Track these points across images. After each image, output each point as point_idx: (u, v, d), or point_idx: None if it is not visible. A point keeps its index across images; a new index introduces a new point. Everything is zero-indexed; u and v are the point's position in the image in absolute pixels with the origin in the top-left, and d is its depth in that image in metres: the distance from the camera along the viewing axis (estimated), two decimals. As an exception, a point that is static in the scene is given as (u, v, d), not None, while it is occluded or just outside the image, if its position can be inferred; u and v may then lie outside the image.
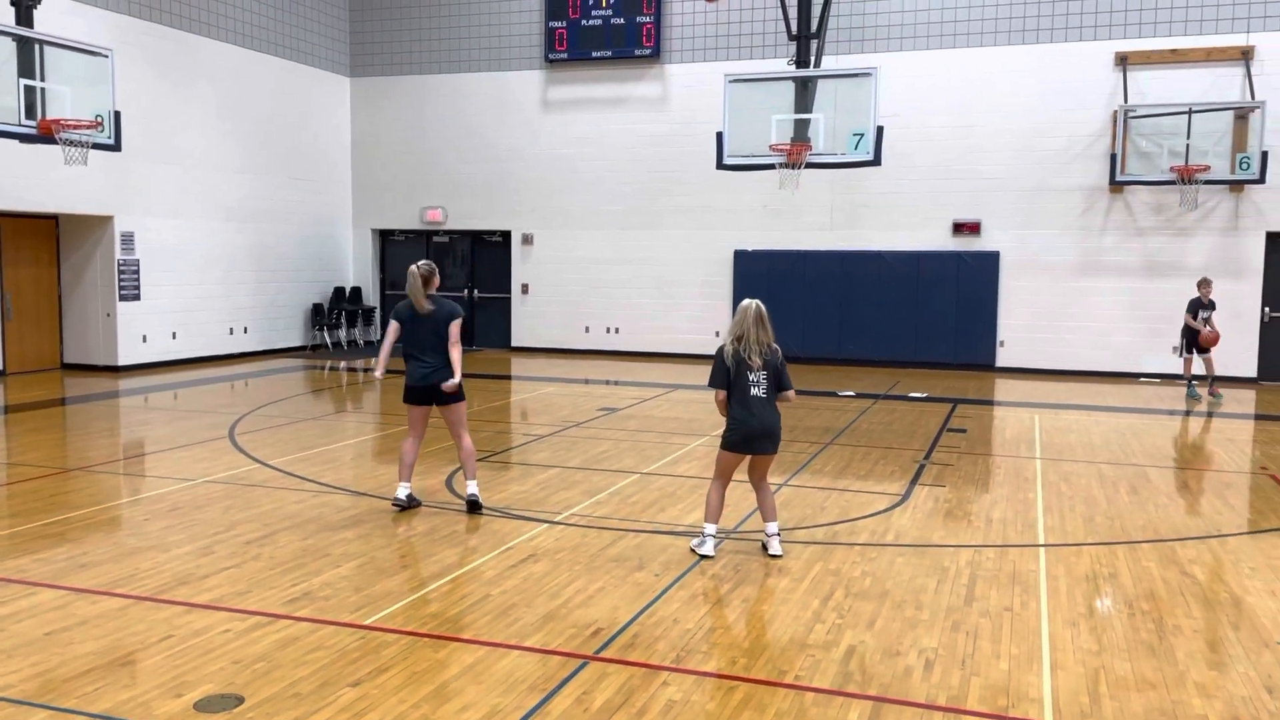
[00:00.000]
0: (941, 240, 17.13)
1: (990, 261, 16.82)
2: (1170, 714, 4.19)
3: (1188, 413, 12.82)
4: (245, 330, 17.97)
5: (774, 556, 6.27)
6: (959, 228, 17.01)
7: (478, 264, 20.28)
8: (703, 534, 6.35)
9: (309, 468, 8.75)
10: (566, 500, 7.69)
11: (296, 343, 19.23)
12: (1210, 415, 12.67)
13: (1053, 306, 16.61)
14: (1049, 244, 16.56)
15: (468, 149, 19.64)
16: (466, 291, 20.10)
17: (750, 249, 17.95)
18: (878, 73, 12.57)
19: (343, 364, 17.53)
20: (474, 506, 7.30)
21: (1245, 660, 4.77)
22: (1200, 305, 13.67)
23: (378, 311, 20.83)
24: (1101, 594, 5.73)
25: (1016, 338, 16.86)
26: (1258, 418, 12.90)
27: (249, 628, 4.99)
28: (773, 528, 6.37)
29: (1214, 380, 13.71)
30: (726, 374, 6.19)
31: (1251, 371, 15.74)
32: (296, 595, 5.48)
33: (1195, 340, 13.67)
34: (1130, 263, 16.14)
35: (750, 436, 6.19)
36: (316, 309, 19.54)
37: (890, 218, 17.28)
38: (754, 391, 6.16)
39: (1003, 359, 16.94)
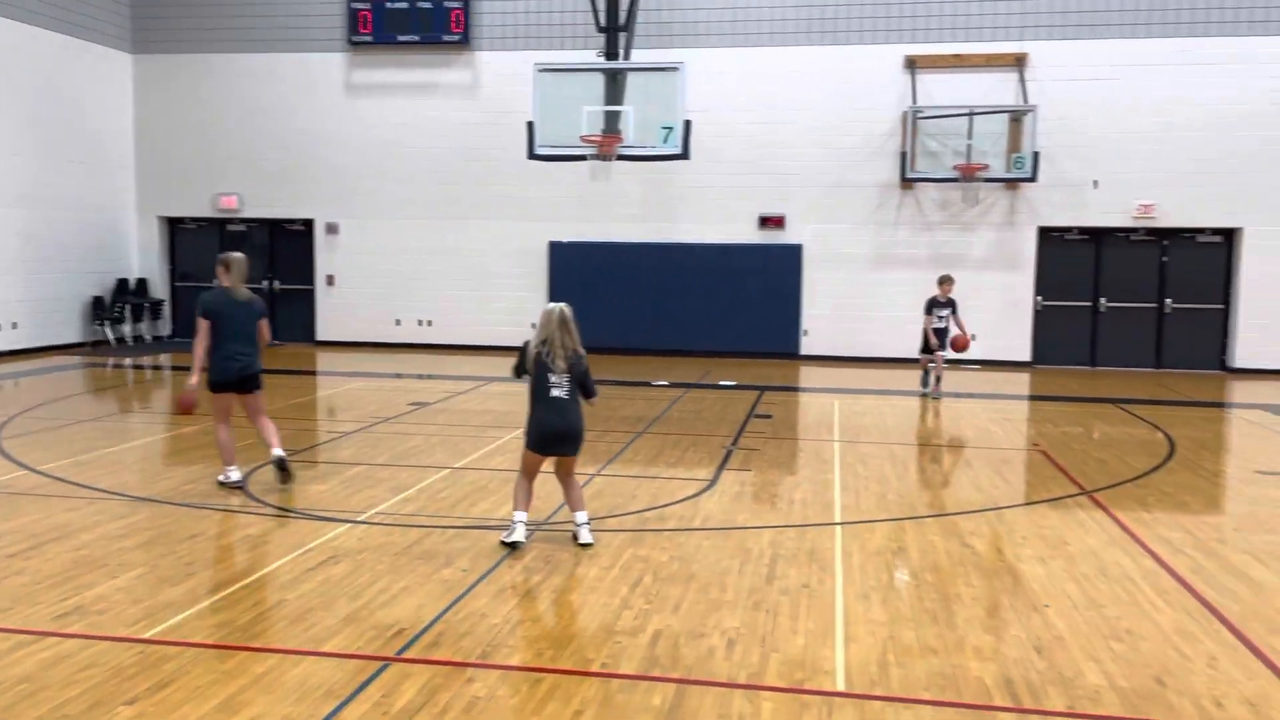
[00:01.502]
0: (749, 233, 17.66)
1: (794, 254, 17.47)
2: (950, 678, 4.45)
3: (958, 395, 13.70)
4: (15, 326, 16.47)
5: (584, 545, 6.28)
6: (765, 221, 17.58)
7: (278, 254, 19.36)
8: (512, 523, 6.28)
9: (85, 473, 8.10)
10: (371, 499, 7.43)
11: (75, 339, 17.79)
12: (935, 397, 12.95)
13: (851, 297, 17.43)
14: (847, 237, 17.36)
15: (265, 133, 18.70)
16: (266, 283, 19.15)
17: (565, 240, 17.93)
18: (684, 67, 12.80)
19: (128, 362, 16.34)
20: (282, 464, 7.43)
21: (1018, 624, 5.13)
22: (936, 304, 12.93)
23: (167, 305, 19.56)
24: (893, 568, 6.03)
25: (819, 327, 17.60)
26: (1032, 398, 13.97)
27: (11, 647, 4.55)
28: (582, 517, 6.38)
29: (938, 380, 13.12)
30: (525, 363, 6.26)
31: (1026, 356, 17.05)
32: (66, 610, 5.04)
33: (926, 342, 13.04)
34: (920, 255, 17.13)
35: (551, 438, 6.24)
36: (97, 302, 18.15)
37: (701, 211, 17.66)
38: (555, 393, 6.21)
39: (806, 347, 17.64)
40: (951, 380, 14.75)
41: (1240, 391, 14.57)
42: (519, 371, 6.29)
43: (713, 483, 8.17)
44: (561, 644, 4.79)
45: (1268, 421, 11.68)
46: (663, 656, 4.62)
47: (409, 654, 4.59)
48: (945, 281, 13.02)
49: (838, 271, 17.42)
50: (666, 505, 7.41)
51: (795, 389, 14.62)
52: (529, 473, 6.37)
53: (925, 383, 13.33)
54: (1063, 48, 16.42)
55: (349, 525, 6.70)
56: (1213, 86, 15.98)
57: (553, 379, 6.18)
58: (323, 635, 4.80)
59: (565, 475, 6.43)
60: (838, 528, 6.90)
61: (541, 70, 12.87)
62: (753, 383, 14.47)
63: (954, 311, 12.92)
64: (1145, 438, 10.54)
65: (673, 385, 14.11)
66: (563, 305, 6.29)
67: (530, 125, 12.76)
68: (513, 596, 5.43)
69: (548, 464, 6.43)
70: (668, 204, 17.75)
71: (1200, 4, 15.98)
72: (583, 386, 6.30)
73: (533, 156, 12.92)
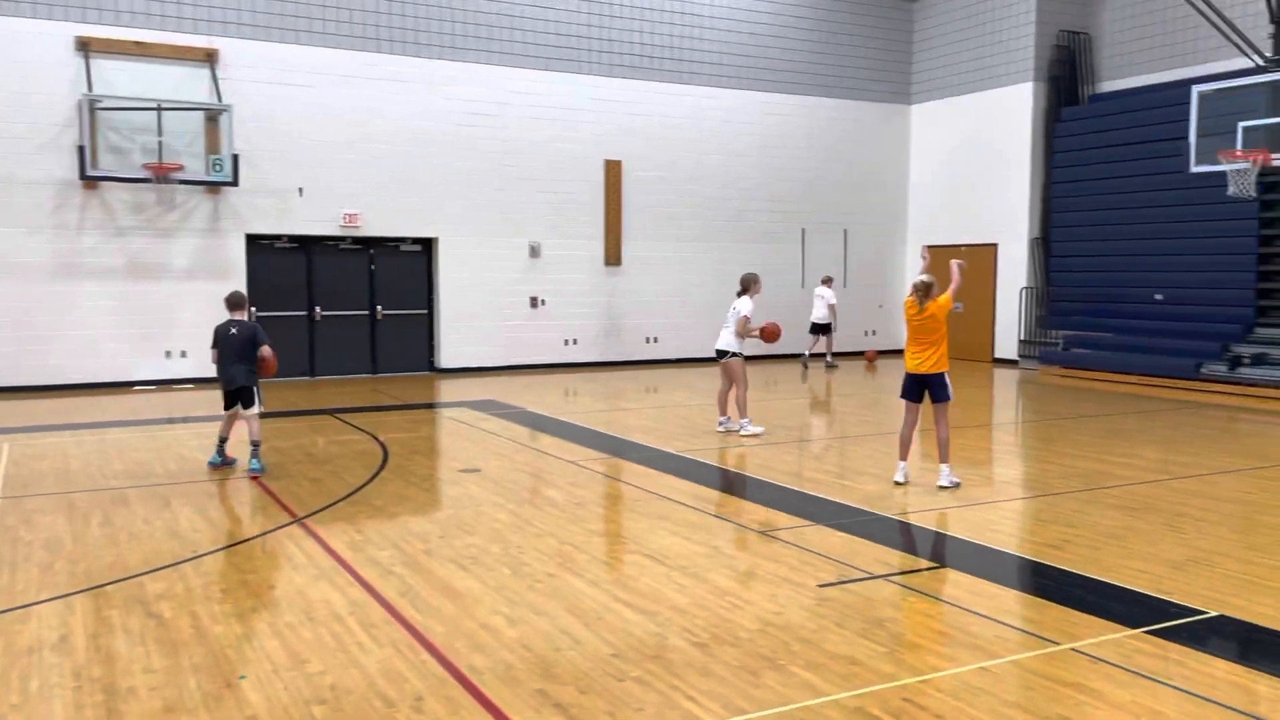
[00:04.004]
0: (-126, 238, 13.71)
1: (-55, 264, 14.03)
2: (102, 827, 3.32)
3: (172, 420, 12.33)
4: None
5: None
6: (-102, 223, 13.81)
7: None
8: None
9: None
10: None
11: None
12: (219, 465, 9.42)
13: (31, 315, 14.61)
14: (20, 243, 14.50)
15: None
16: None
17: None
18: None
19: None
20: None
21: (202, 715, 4.17)
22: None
23: None
24: (49, 668, 4.60)
25: (-10, 353, 14.43)
26: (308, 413, 13.07)
27: None
28: None
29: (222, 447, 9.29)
30: None
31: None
32: None
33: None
34: (114, 265, 15.05)
35: None
36: None
37: None
38: None
39: (-27, 378, 14.34)
40: (162, 404, 13.22)
41: (446, 391, 15.59)
42: None
43: None
44: None
45: (469, 418, 12.51)
46: None
47: None
48: (235, 304, 9.32)
49: (10, 284, 14.45)
50: None
51: (-48, 434, 11.62)
52: None
53: (216, 458, 9.20)
54: (256, 48, 15.76)
55: None
56: (404, 103, 16.82)
57: None
58: None
59: None
60: (-28, 626, 5.18)
61: None
62: (-115, 432, 11.10)
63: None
64: (361, 448, 10.39)
65: None
66: None
67: None
68: None
69: None
70: None
71: (384, 22, 16.67)
72: None
73: None
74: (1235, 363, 15.20)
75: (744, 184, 19.91)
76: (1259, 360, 15.09)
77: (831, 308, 18.61)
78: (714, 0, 19.38)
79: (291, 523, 7.30)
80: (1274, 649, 4.92)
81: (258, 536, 6.98)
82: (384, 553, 6.47)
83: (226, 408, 9.21)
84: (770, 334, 11.21)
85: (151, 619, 5.29)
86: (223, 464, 9.21)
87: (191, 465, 9.47)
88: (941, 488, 8.27)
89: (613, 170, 18.60)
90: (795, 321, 19.97)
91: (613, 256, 18.76)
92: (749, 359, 11.46)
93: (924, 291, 8.27)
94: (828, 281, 18.82)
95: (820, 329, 18.67)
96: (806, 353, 18.60)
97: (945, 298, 8.29)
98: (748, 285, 11.17)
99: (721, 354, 11.16)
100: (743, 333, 10.98)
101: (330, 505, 7.81)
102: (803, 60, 20.32)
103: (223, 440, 9.26)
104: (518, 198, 17.88)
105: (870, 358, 19.64)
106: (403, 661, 4.69)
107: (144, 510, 7.72)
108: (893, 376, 17.70)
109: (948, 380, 8.36)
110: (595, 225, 18.61)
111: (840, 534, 6.92)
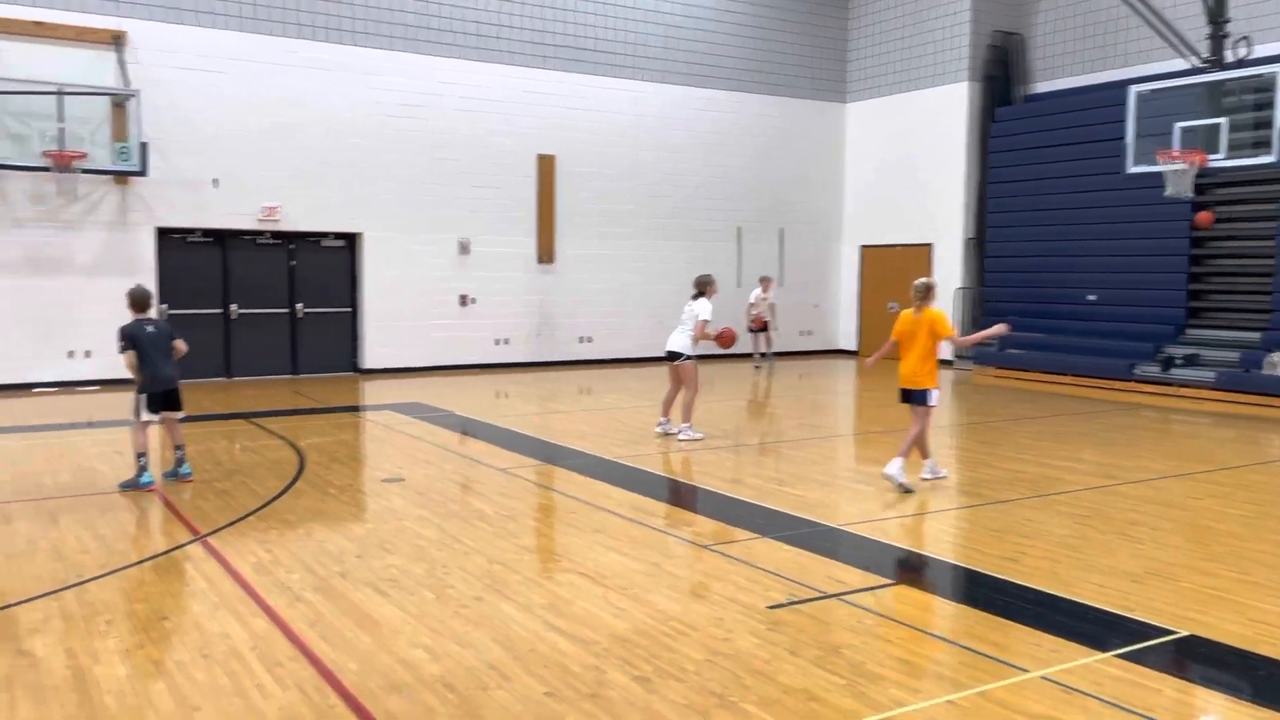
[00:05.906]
0: None
1: None
2: None
3: (70, 425, 11.50)
4: None
5: None
6: None
7: None
8: None
9: None
10: None
11: None
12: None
13: (-82, 312, 13.60)
14: (-96, 236, 13.47)
15: None
16: None
17: None
18: None
19: None
20: None
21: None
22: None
23: None
24: None
25: None
26: (221, 417, 12.29)
27: None
28: None
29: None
30: None
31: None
32: None
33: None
34: (11, 258, 14.06)
35: None
36: None
37: None
38: None
39: None
40: (63, 408, 12.36)
41: (371, 393, 14.91)
42: None
43: None
44: None
45: (394, 422, 11.89)
46: None
47: None
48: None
49: (-106, 280, 13.42)
50: None
51: None
52: None
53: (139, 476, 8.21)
54: (169, 31, 14.89)
55: None
56: (325, 92, 16.06)
57: None
58: None
59: None
60: None
61: None
62: None
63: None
64: (276, 455, 9.74)
65: None
66: None
67: None
68: None
69: None
70: None
71: (305, 7, 15.89)
72: None
73: None
74: (1168, 364, 15.27)
75: (681, 181, 19.52)
76: (1191, 361, 15.19)
77: (771, 306, 18.29)
78: (650, -7, 18.97)
79: (192, 541, 6.68)
80: (1248, 672, 4.65)
81: (153, 558, 6.35)
82: (294, 576, 5.90)
83: (155, 411, 8.36)
84: (727, 339, 10.90)
85: (21, 657, 4.67)
86: (151, 484, 8.18)
87: (88, 476, 8.73)
88: (887, 475, 8.14)
89: (546, 165, 18.06)
90: (732, 321, 19.69)
91: (546, 254, 18.22)
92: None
93: (922, 294, 8.22)
94: (765, 282, 18.38)
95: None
96: (758, 353, 18.48)
97: (944, 322, 8.18)
98: (704, 287, 10.80)
99: (674, 355, 10.76)
100: (700, 336, 10.61)
101: (237, 520, 7.19)
102: (739, 56, 20.01)
103: (145, 456, 8.27)
104: (447, 192, 17.24)
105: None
106: (308, 707, 4.16)
107: (27, 528, 7.01)
108: (823, 379, 17.47)
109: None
110: (528, 221, 18.05)
111: (788, 547, 6.54)
